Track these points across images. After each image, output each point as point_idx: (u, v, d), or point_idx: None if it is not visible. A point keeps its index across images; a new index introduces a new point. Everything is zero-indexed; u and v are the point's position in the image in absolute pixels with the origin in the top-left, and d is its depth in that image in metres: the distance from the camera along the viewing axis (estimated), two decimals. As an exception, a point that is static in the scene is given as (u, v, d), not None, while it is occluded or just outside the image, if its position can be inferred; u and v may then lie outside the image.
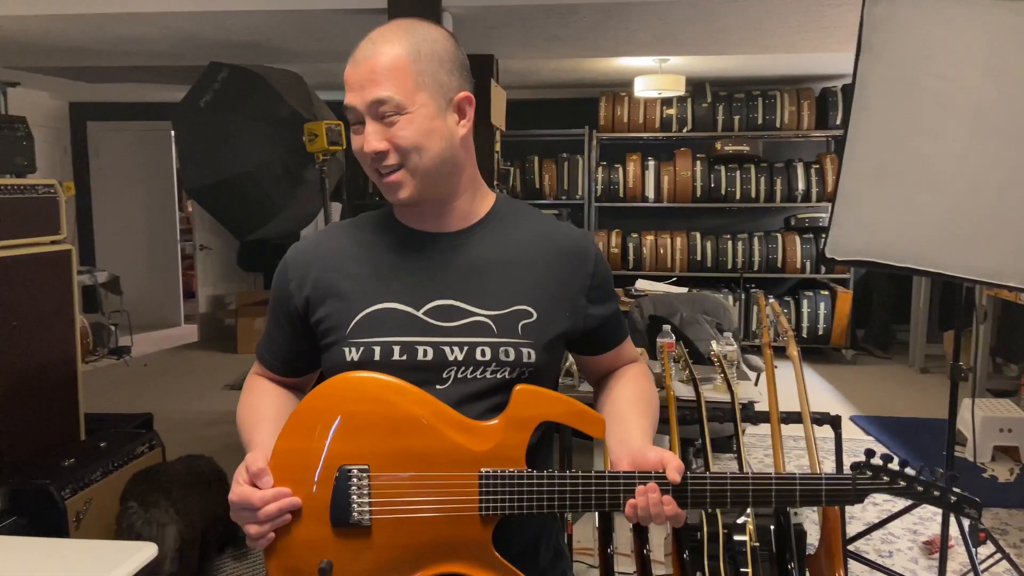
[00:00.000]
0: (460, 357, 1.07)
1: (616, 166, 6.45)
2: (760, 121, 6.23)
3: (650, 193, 6.43)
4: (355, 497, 1.01)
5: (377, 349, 1.07)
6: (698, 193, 6.34)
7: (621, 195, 6.44)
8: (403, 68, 1.03)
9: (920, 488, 1.04)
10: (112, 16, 3.50)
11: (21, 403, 2.68)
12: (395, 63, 1.03)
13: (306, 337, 1.16)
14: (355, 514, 1.01)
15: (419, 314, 1.08)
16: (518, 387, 1.04)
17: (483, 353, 1.07)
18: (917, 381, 5.64)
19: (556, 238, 1.16)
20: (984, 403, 4.03)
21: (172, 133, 7.45)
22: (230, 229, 4.29)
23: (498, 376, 1.07)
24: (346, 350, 1.08)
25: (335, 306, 1.11)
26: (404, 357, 1.07)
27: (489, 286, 1.10)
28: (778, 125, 6.23)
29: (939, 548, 2.66)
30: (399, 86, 1.03)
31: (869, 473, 1.03)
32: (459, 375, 1.07)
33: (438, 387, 1.06)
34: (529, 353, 1.08)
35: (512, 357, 1.07)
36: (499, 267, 1.12)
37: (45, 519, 2.37)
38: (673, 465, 1.01)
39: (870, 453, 1.04)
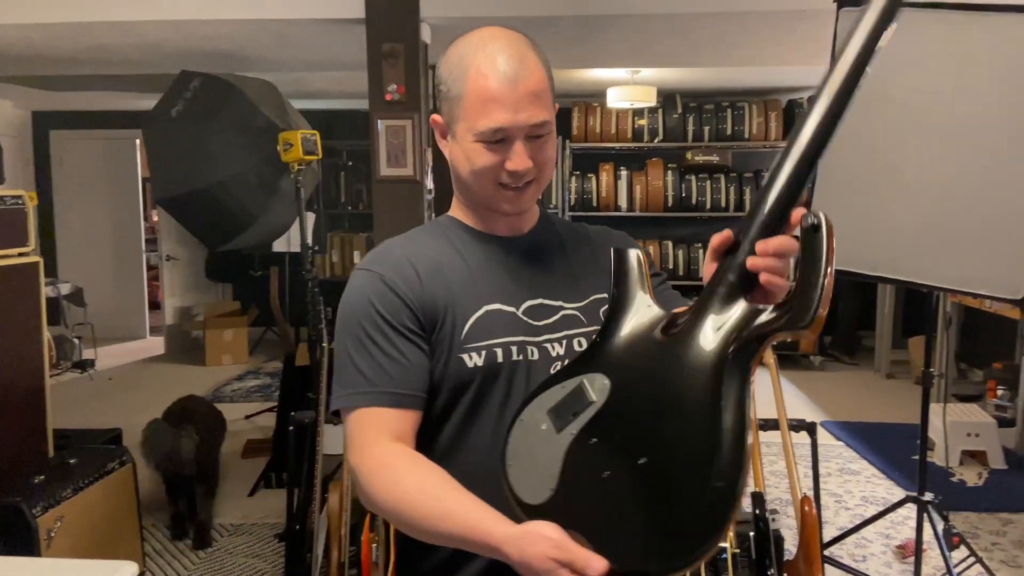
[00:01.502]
0: (561, 352, 1.09)
1: (589, 176, 6.49)
2: (729, 132, 6.32)
3: (623, 202, 6.47)
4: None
5: (499, 351, 1.06)
6: (670, 202, 6.40)
7: (594, 204, 6.48)
8: (548, 89, 1.05)
9: None
10: (82, 25, 3.44)
11: (-12, 419, 2.61)
12: (544, 84, 1.04)
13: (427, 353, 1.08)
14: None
15: (519, 314, 1.09)
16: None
17: (580, 344, 1.10)
18: (883, 386, 5.75)
19: (599, 232, 1.24)
20: (951, 408, 4.11)
21: (137, 142, 7.34)
22: (202, 240, 4.23)
23: None
24: (465, 356, 1.05)
25: (446, 313, 1.07)
26: (520, 357, 1.07)
27: (567, 280, 1.14)
28: (746, 136, 6.32)
29: (913, 552, 2.71)
30: (549, 107, 1.05)
31: None
32: None
33: None
34: None
35: None
36: (569, 262, 1.17)
37: (15, 537, 2.31)
38: None
39: None
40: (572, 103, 6.45)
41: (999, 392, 4.55)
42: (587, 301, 1.14)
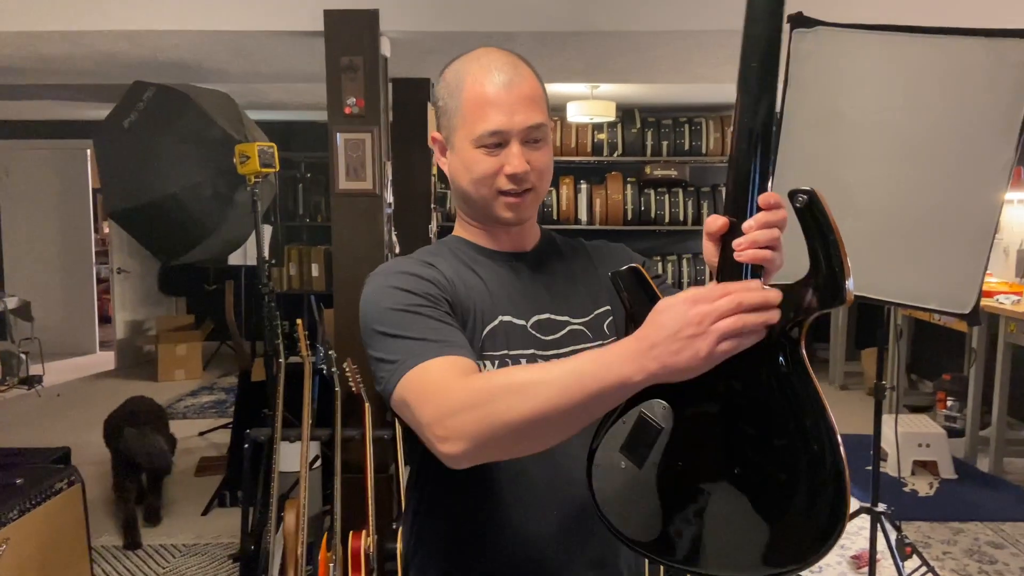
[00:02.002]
0: None
1: (550, 189, 6.51)
2: (687, 147, 6.41)
3: (583, 216, 6.52)
4: None
5: (510, 363, 1.07)
6: (629, 216, 6.46)
7: (555, 217, 6.51)
8: (542, 97, 1.10)
9: None
10: (32, 34, 3.34)
11: (-73, 439, 2.51)
12: (538, 91, 1.10)
13: None
14: None
15: (529, 328, 1.11)
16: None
17: None
18: (838, 398, 5.85)
19: (597, 247, 1.26)
20: (903, 419, 4.21)
21: (88, 152, 7.18)
22: (155, 253, 4.14)
23: None
24: (480, 365, 1.04)
25: (467, 315, 1.08)
26: None
27: (572, 296, 1.16)
28: (704, 151, 6.42)
29: (867, 562, 2.76)
30: (544, 112, 1.08)
31: None
32: None
33: None
34: None
35: None
36: (573, 277, 1.19)
37: (-45, 564, 2.22)
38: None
39: None
40: (532, 117, 6.48)
41: (948, 403, 4.67)
42: (591, 316, 1.16)
